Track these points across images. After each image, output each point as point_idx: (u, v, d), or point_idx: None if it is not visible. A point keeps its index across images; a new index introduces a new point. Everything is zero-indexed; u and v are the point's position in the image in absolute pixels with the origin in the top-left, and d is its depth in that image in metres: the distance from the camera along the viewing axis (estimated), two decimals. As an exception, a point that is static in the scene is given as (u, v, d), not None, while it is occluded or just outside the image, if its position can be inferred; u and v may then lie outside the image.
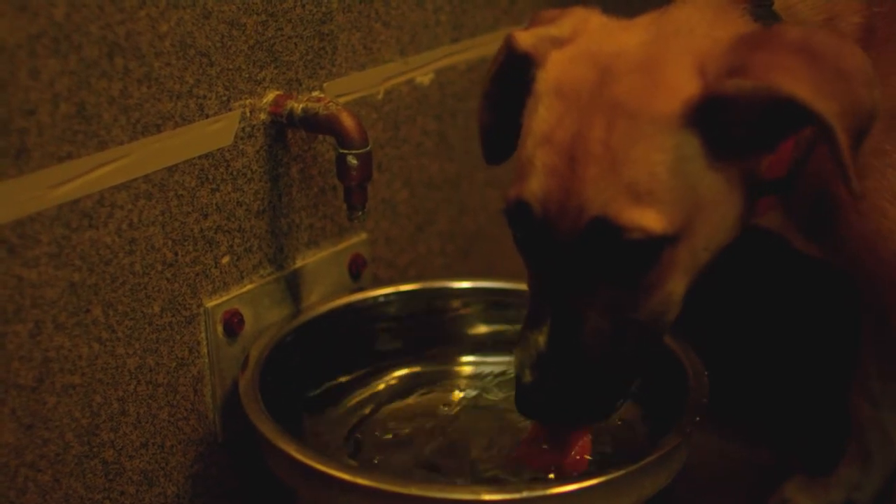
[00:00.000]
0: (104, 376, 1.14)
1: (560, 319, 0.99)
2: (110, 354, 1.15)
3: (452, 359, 1.41)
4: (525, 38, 1.05)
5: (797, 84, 0.90)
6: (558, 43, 1.04)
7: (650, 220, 0.94)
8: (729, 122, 0.94)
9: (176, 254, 1.19)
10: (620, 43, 1.00)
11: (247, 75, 1.23)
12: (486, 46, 1.54)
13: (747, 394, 1.60)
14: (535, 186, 0.98)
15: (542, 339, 1.00)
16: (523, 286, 1.38)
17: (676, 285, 1.00)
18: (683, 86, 0.95)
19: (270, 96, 1.26)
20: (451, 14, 1.48)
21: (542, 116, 1.00)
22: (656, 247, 0.96)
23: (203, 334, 1.24)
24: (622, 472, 1.04)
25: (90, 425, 1.14)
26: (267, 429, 1.12)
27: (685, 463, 1.14)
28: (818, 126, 0.92)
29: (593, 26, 1.05)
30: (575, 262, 0.98)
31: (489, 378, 1.39)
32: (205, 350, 1.25)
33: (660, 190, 0.95)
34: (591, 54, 1.00)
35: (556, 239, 0.98)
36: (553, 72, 1.01)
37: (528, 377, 1.01)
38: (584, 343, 0.99)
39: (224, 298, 1.25)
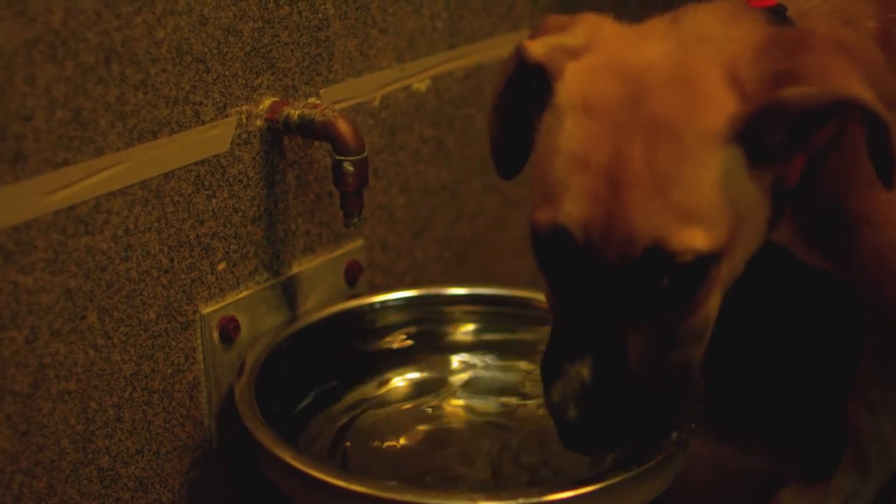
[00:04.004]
0: (99, 382, 1.14)
1: (605, 349, 0.94)
2: (106, 361, 1.14)
3: (448, 366, 1.41)
4: (537, 48, 1.00)
5: (855, 86, 0.88)
6: (572, 53, 0.99)
7: (700, 240, 0.91)
8: (771, 130, 0.92)
9: (172, 260, 1.19)
10: (644, 54, 0.95)
11: (243, 82, 1.23)
12: (484, 53, 1.54)
13: (744, 400, 1.60)
14: (575, 212, 0.92)
15: (585, 371, 0.94)
16: (519, 293, 1.39)
17: (716, 301, 0.98)
18: (723, 99, 0.91)
19: (267, 103, 1.26)
20: (447, 21, 1.48)
21: (572, 135, 0.93)
22: (705, 266, 0.93)
23: (199, 341, 1.24)
24: (618, 478, 1.04)
25: (85, 432, 1.14)
26: (263, 435, 1.12)
27: (681, 470, 1.14)
28: (869, 125, 0.90)
29: (608, 35, 1.00)
30: (620, 289, 0.93)
31: (485, 385, 1.39)
32: (200, 356, 1.25)
33: (706, 208, 0.91)
34: (615, 66, 0.95)
35: (600, 266, 0.92)
36: (576, 85, 0.96)
37: (573, 412, 0.95)
38: (632, 371, 0.95)
39: (220, 305, 1.25)
